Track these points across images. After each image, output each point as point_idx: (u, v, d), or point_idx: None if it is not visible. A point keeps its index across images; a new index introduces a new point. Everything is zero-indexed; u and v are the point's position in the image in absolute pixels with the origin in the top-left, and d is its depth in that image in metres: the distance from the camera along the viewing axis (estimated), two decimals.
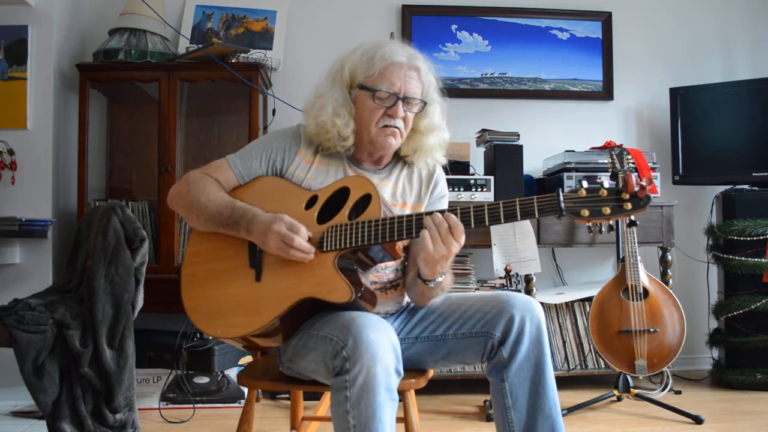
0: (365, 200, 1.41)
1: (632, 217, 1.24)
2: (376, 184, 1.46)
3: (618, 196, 1.23)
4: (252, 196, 1.53)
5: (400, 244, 1.46)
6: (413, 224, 1.35)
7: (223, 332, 1.45)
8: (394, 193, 1.59)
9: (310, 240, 1.40)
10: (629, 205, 1.22)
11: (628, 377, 2.65)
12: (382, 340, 1.27)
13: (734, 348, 2.97)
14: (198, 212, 1.50)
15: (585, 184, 1.26)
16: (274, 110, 3.18)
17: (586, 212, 1.24)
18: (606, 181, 1.26)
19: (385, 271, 1.56)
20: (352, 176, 1.53)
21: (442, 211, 1.34)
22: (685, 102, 3.23)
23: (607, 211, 1.23)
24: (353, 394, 1.25)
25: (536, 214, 1.27)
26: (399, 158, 1.65)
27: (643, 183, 1.21)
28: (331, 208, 1.45)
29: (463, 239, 1.33)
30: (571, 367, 2.95)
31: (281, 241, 1.37)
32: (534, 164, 3.27)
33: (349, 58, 1.56)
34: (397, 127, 1.52)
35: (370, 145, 1.56)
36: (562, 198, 1.25)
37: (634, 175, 1.23)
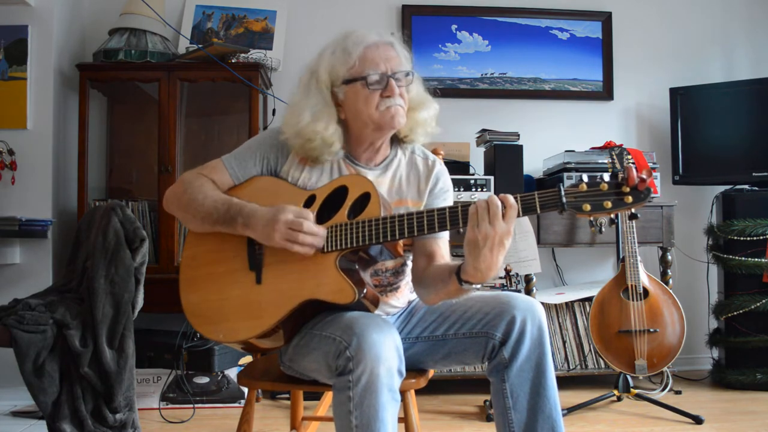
0: (364, 199, 1.40)
1: (633, 210, 1.25)
2: (373, 182, 1.43)
3: (618, 189, 1.23)
4: (248, 195, 1.50)
5: (401, 242, 1.45)
6: (414, 223, 1.34)
7: (225, 336, 1.44)
8: (391, 191, 1.56)
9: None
10: (630, 198, 1.22)
11: (628, 377, 2.65)
12: (385, 341, 1.27)
13: (734, 348, 2.97)
14: (194, 212, 1.48)
15: (585, 178, 1.26)
16: (274, 110, 3.18)
17: (587, 207, 1.24)
18: (606, 176, 1.26)
19: (386, 273, 1.55)
20: (350, 174, 1.50)
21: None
22: (685, 102, 3.23)
23: (609, 204, 1.23)
24: (356, 394, 1.24)
25: (538, 209, 1.26)
26: (396, 148, 1.60)
27: (643, 176, 1.21)
28: (330, 208, 1.43)
29: (509, 220, 1.24)
30: (571, 367, 2.95)
31: (289, 229, 1.34)
32: (534, 164, 3.27)
33: (320, 61, 1.50)
34: (399, 105, 1.47)
35: (377, 132, 1.50)
36: (563, 193, 1.24)
37: (634, 168, 1.23)
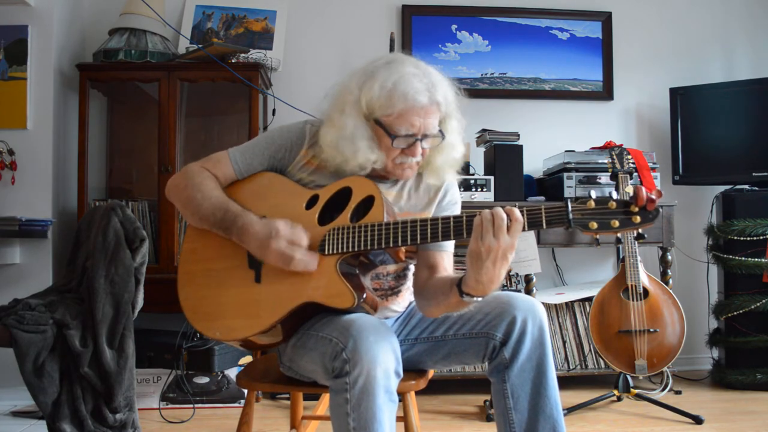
0: (368, 202, 1.38)
1: (640, 230, 1.21)
2: (381, 191, 1.41)
3: (627, 208, 1.21)
4: (251, 192, 1.50)
5: (403, 248, 1.44)
6: (417, 230, 1.32)
7: (222, 334, 1.43)
8: (398, 203, 1.54)
9: (310, 245, 1.37)
10: (638, 219, 1.20)
11: (628, 377, 2.65)
12: (382, 343, 1.26)
13: (734, 348, 2.97)
14: (193, 210, 1.48)
15: (594, 194, 1.23)
16: (274, 110, 3.18)
17: (594, 225, 1.21)
18: (614, 193, 1.23)
19: (387, 278, 1.54)
20: (355, 176, 1.47)
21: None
22: (685, 102, 3.23)
23: (616, 224, 1.20)
24: (353, 396, 1.24)
25: (544, 225, 1.24)
26: None
27: (653, 196, 1.18)
28: (333, 209, 1.42)
29: (514, 234, 1.23)
30: (571, 367, 2.95)
31: (281, 257, 1.35)
32: (534, 164, 3.27)
33: (365, 87, 1.43)
34: (415, 162, 1.47)
35: (383, 172, 1.51)
36: (570, 209, 1.22)
37: (643, 188, 1.20)
